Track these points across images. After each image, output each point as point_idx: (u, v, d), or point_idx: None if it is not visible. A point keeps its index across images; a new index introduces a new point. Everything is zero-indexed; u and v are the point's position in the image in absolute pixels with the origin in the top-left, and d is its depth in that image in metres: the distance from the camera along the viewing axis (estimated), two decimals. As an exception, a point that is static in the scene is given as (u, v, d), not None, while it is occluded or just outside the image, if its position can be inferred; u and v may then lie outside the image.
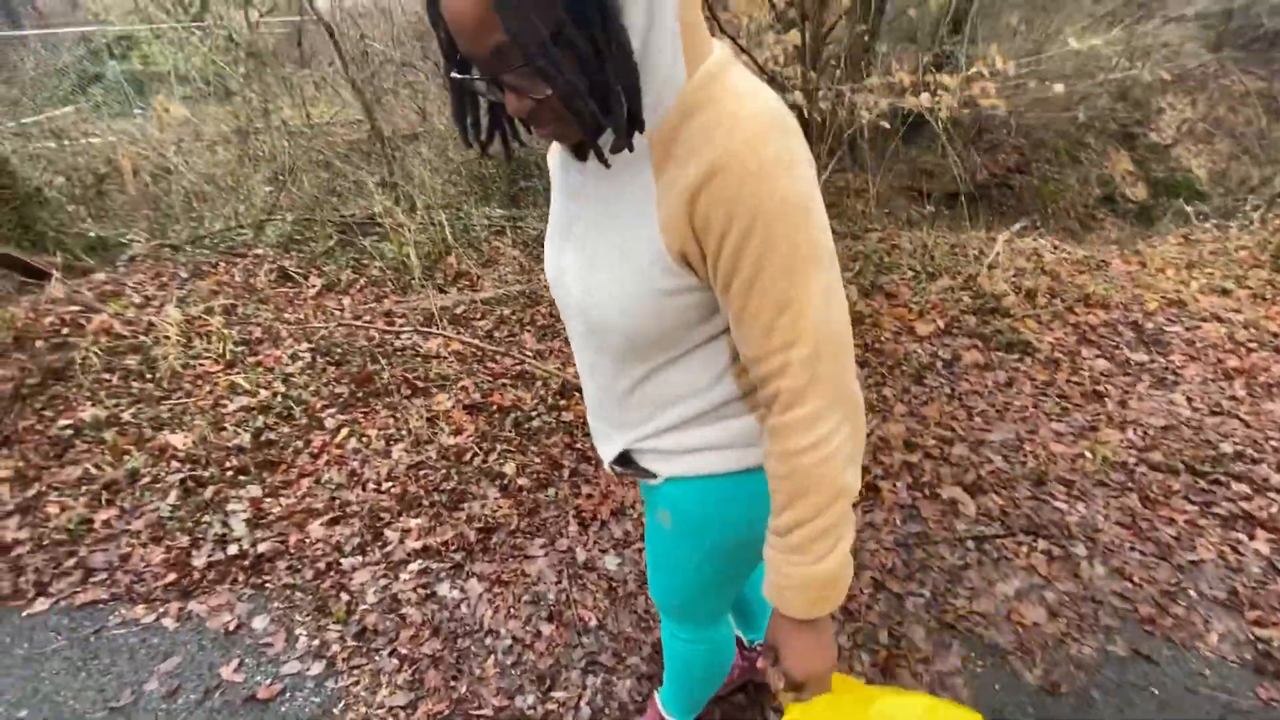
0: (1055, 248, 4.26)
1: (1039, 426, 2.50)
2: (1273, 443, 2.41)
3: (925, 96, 3.12)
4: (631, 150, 0.64)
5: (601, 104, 0.60)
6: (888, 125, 3.94)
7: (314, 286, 3.56)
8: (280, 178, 4.33)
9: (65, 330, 2.79)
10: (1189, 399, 2.68)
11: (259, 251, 3.80)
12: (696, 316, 0.72)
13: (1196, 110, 7.67)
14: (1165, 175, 7.31)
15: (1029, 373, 2.84)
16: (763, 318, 0.65)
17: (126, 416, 2.52)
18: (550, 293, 0.83)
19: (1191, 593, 1.85)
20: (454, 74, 0.64)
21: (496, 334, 3.21)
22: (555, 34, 0.56)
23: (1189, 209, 5.01)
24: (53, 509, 2.15)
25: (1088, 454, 2.35)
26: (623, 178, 0.69)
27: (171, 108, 5.50)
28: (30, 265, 3.14)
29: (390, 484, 2.26)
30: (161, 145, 4.72)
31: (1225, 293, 3.51)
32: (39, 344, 2.70)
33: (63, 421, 2.46)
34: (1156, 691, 1.61)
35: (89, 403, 2.54)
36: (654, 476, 0.90)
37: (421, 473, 2.31)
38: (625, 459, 0.92)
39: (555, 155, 0.83)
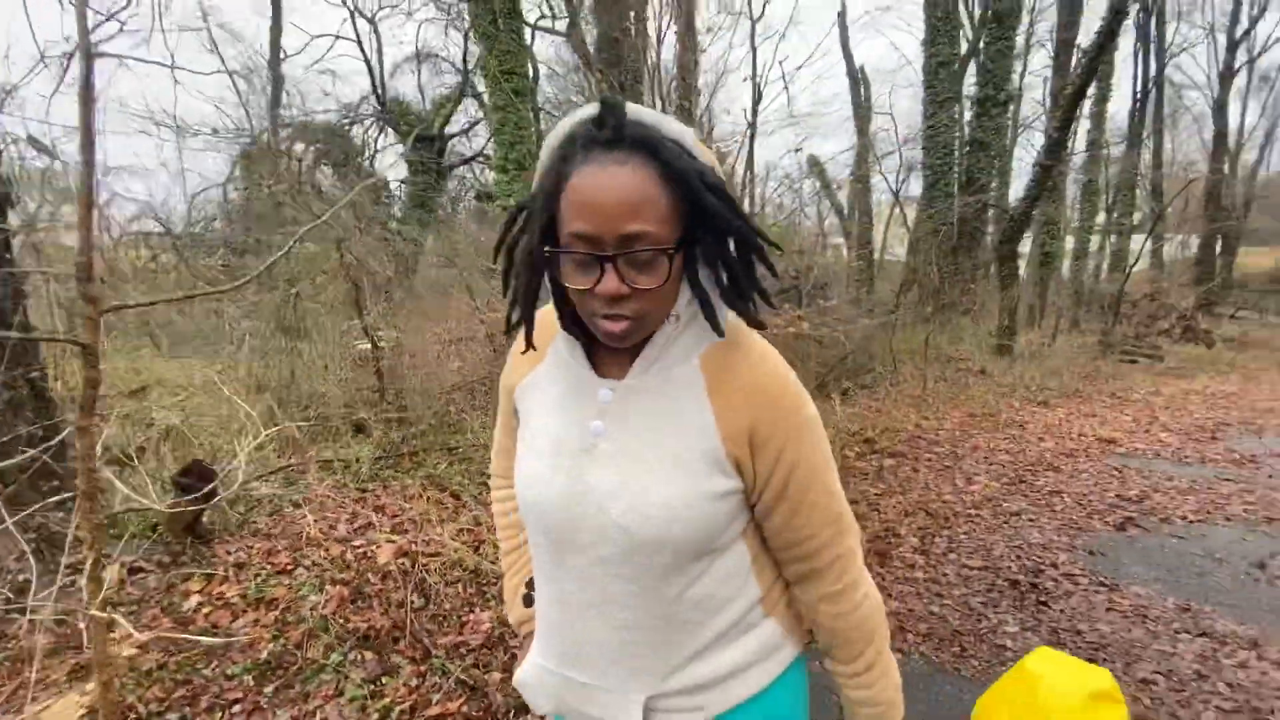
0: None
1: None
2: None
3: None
4: (722, 336, 0.78)
5: (704, 298, 0.77)
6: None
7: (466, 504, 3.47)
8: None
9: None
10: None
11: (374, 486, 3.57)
12: (727, 519, 0.80)
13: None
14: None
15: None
16: (822, 504, 0.81)
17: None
18: (532, 517, 0.84)
19: None
20: (546, 249, 0.73)
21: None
22: (681, 238, 0.72)
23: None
24: None
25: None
26: (675, 395, 0.79)
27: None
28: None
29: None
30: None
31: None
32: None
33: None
34: None
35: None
36: None
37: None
38: None
39: (551, 377, 0.86)
